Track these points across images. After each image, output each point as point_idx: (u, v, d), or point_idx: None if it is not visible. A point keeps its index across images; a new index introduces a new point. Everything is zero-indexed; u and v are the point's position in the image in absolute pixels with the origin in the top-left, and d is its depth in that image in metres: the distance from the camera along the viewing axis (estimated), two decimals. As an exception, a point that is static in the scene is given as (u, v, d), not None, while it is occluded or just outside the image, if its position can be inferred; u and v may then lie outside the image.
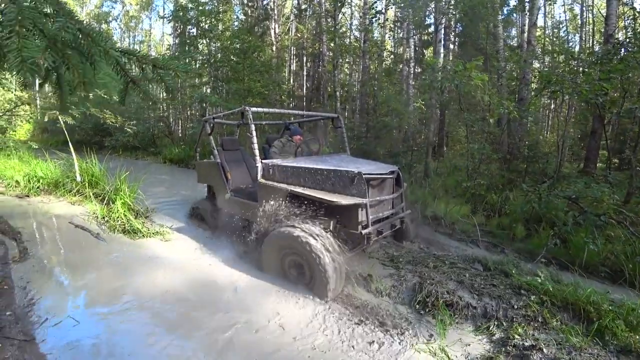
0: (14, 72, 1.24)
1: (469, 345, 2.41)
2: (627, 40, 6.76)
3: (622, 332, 2.35)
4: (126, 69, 1.53)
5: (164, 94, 19.09)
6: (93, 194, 5.79)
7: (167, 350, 2.36)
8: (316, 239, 2.92)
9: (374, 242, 3.40)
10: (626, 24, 11.70)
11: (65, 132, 6.14)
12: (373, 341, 2.44)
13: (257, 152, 3.73)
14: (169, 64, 1.63)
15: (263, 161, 3.75)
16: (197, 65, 13.97)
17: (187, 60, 13.83)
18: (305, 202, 3.31)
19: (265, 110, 4.34)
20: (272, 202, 3.46)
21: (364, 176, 3.11)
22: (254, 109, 3.83)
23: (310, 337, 2.50)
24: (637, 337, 2.30)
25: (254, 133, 3.74)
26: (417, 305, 2.86)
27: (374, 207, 3.29)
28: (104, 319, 2.70)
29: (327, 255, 2.87)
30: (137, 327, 2.59)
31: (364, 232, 3.10)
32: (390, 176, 3.59)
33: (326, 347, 2.39)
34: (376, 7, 12.01)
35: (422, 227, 4.74)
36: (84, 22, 1.45)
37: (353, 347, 2.40)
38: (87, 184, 6.07)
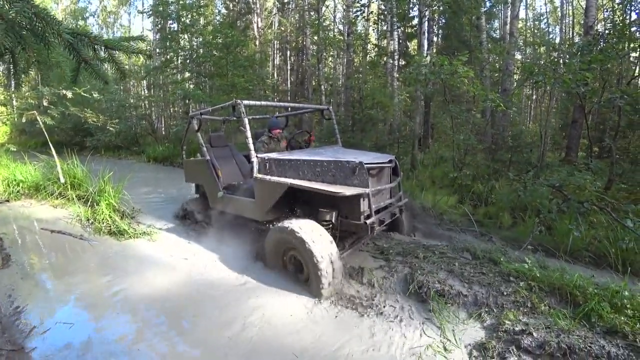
0: None
1: (462, 332, 2.45)
2: (607, 31, 6.94)
3: (607, 314, 2.42)
4: (78, 49, 1.65)
5: (145, 90, 18.75)
6: (76, 196, 5.64)
7: (160, 352, 2.33)
8: (313, 237, 2.88)
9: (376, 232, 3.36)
10: (605, 15, 11.99)
11: (45, 133, 5.94)
12: (374, 334, 2.47)
13: (252, 146, 3.64)
14: (120, 45, 1.75)
15: (258, 155, 3.65)
16: (179, 61, 13.71)
17: (168, 57, 13.58)
18: (306, 195, 3.25)
19: (258, 103, 4.21)
20: (271, 197, 3.40)
21: (365, 166, 3.08)
22: (245, 102, 3.72)
23: (307, 332, 2.50)
24: (622, 318, 2.36)
25: (248, 127, 3.63)
26: (410, 296, 2.89)
27: (374, 197, 3.27)
28: (94, 323, 2.65)
29: (322, 255, 2.81)
30: (128, 330, 2.55)
31: (368, 222, 3.07)
32: (389, 165, 3.58)
33: (324, 342, 2.39)
34: (360, 0, 11.98)
35: (415, 217, 4.78)
36: (39, 6, 1.57)
37: (354, 338, 2.42)
38: (69, 186, 5.91)
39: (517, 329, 2.35)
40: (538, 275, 2.86)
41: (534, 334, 2.28)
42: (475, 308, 2.68)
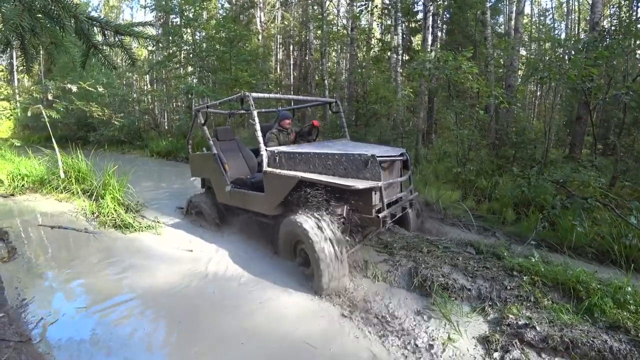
0: None
1: (466, 325, 2.47)
2: (613, 27, 6.88)
3: (610, 309, 2.43)
4: (88, 34, 1.68)
5: (148, 85, 18.75)
6: (81, 190, 5.68)
7: (169, 347, 2.37)
8: (317, 230, 2.85)
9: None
10: (611, 11, 11.88)
11: (49, 127, 5.97)
12: (378, 329, 2.49)
13: (261, 139, 3.61)
14: (130, 30, 1.78)
15: (268, 149, 3.62)
16: (182, 55, 13.70)
17: (171, 51, 13.56)
18: (316, 189, 3.22)
19: (266, 95, 4.18)
20: (281, 191, 3.39)
21: (377, 159, 3.04)
22: (254, 94, 3.69)
23: (315, 324, 2.53)
24: (625, 313, 2.38)
25: (257, 120, 3.60)
26: (414, 289, 2.91)
27: (386, 190, 3.23)
28: (100, 316, 2.67)
29: (325, 247, 2.78)
30: (134, 323, 2.58)
31: (380, 216, 3.05)
32: (401, 158, 3.55)
33: (330, 335, 2.42)
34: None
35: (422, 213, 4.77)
36: None
37: (364, 333, 2.44)
38: (73, 180, 5.95)
39: (520, 322, 2.37)
40: (542, 270, 2.87)
41: (537, 327, 2.30)
42: (479, 302, 2.69)
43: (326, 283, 2.80)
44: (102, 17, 1.73)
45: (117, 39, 1.73)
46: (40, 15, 1.59)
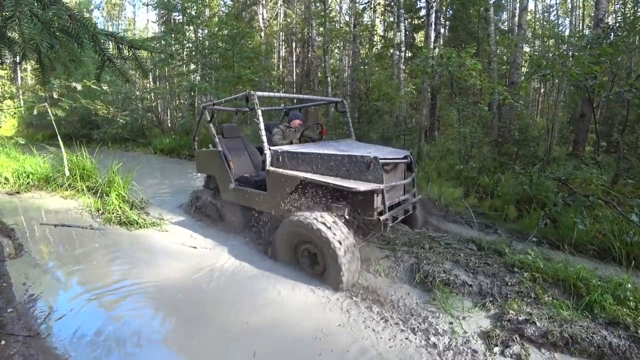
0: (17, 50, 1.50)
1: (467, 320, 2.50)
2: (617, 24, 6.85)
3: (610, 305, 2.46)
4: (104, 48, 1.76)
5: (151, 83, 18.79)
6: (86, 187, 5.73)
7: (173, 339, 2.40)
8: (330, 227, 2.87)
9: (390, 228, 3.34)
10: (616, 8, 11.80)
11: (55, 125, 6.03)
12: (386, 328, 2.52)
13: (265, 138, 3.62)
14: (144, 44, 1.89)
15: (272, 148, 3.63)
16: (185, 53, 13.73)
17: (173, 48, 13.59)
18: (319, 190, 3.24)
19: (271, 94, 4.19)
20: (283, 190, 3.41)
21: (379, 161, 3.05)
22: (259, 93, 3.70)
23: (324, 319, 2.55)
24: (625, 310, 2.40)
25: (261, 119, 3.62)
26: (416, 285, 2.95)
27: (388, 193, 3.24)
28: (107, 310, 2.72)
29: (340, 244, 2.81)
30: (141, 317, 2.62)
31: (381, 218, 3.06)
32: (404, 161, 3.54)
33: (340, 330, 2.45)
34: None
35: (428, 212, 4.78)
36: (73, 8, 1.64)
37: (367, 326, 2.48)
38: (78, 178, 6.00)
39: (520, 318, 2.39)
40: (542, 266, 2.90)
41: (538, 323, 2.33)
42: (480, 298, 2.73)
43: (344, 278, 2.82)
44: (117, 32, 1.81)
45: (131, 53, 1.80)
46: (59, 34, 1.64)
